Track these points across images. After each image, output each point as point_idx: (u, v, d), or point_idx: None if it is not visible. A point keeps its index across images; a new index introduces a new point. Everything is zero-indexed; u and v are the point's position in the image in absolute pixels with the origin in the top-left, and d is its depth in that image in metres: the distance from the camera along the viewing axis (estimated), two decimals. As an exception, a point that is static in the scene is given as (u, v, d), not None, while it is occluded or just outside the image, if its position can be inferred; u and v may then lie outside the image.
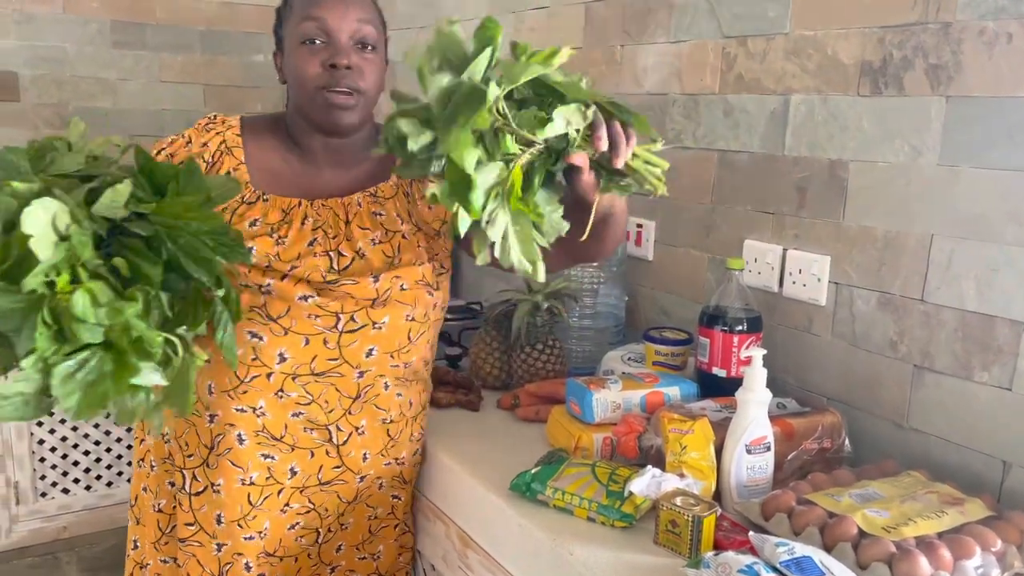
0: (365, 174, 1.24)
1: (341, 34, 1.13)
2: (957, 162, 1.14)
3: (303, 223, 1.17)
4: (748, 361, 1.11)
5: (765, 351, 1.10)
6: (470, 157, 0.84)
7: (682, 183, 1.59)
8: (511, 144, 0.87)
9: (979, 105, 1.11)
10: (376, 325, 1.15)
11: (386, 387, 1.21)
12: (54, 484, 2.49)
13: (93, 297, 0.82)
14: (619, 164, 0.93)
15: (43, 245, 0.80)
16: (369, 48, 1.15)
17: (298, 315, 1.12)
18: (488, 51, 0.85)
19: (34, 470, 2.44)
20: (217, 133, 1.20)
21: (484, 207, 0.87)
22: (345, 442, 1.20)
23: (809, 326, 1.37)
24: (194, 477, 1.18)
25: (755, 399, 1.09)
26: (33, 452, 2.42)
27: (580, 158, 0.92)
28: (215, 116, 1.24)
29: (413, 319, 1.18)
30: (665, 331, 1.49)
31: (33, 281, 0.80)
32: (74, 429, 2.47)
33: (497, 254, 0.91)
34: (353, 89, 1.13)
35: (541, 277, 0.93)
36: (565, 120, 0.89)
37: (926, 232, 1.19)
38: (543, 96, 0.91)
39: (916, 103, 1.18)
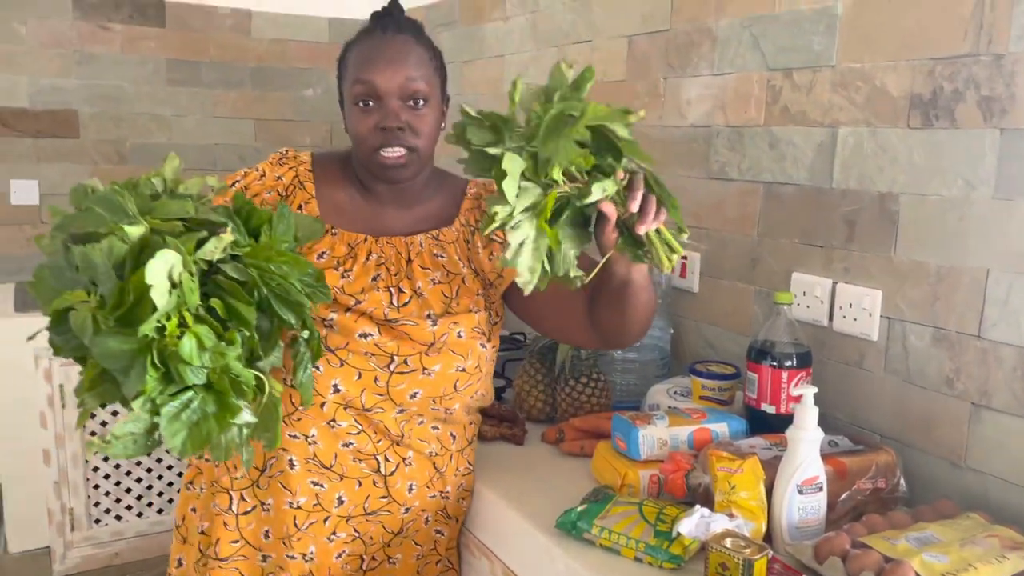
0: (427, 215, 1.27)
1: (391, 96, 1.16)
2: (1013, 195, 1.12)
3: (367, 258, 1.21)
4: (798, 397, 1.09)
5: (816, 388, 1.08)
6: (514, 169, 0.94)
7: (727, 215, 1.58)
8: (558, 173, 0.95)
9: (1035, 137, 1.09)
10: (426, 371, 1.18)
11: (420, 423, 1.22)
12: (107, 511, 2.54)
13: (200, 341, 0.86)
14: (641, 231, 0.99)
15: (161, 294, 0.84)
16: (421, 103, 1.18)
17: (356, 350, 1.16)
18: (584, 89, 0.97)
19: (88, 497, 2.50)
20: (290, 168, 1.25)
21: (513, 214, 0.95)
22: (392, 472, 1.22)
23: (861, 361, 1.34)
24: (242, 498, 1.21)
25: (806, 437, 1.07)
26: (87, 479, 2.48)
27: (610, 208, 0.98)
28: (287, 151, 1.29)
29: (463, 370, 1.21)
30: (712, 365, 1.47)
31: (148, 327, 0.83)
32: (116, 405, 2.52)
33: (507, 255, 0.97)
34: (406, 147, 1.17)
35: (528, 291, 0.99)
36: (602, 189, 0.96)
37: (982, 267, 1.16)
38: (600, 142, 0.97)
39: (969, 136, 1.16)
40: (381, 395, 1.17)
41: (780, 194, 1.47)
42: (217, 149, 3.04)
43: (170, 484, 2.61)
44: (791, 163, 1.44)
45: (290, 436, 1.17)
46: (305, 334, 1.00)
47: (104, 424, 2.50)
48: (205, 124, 3.02)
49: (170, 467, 2.61)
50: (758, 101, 1.50)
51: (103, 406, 0.95)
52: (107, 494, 2.53)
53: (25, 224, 2.79)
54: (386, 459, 1.21)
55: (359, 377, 1.16)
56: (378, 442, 1.20)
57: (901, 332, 1.27)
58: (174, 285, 0.85)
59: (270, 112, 3.13)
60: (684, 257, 1.69)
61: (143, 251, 0.87)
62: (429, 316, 1.19)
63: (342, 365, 1.16)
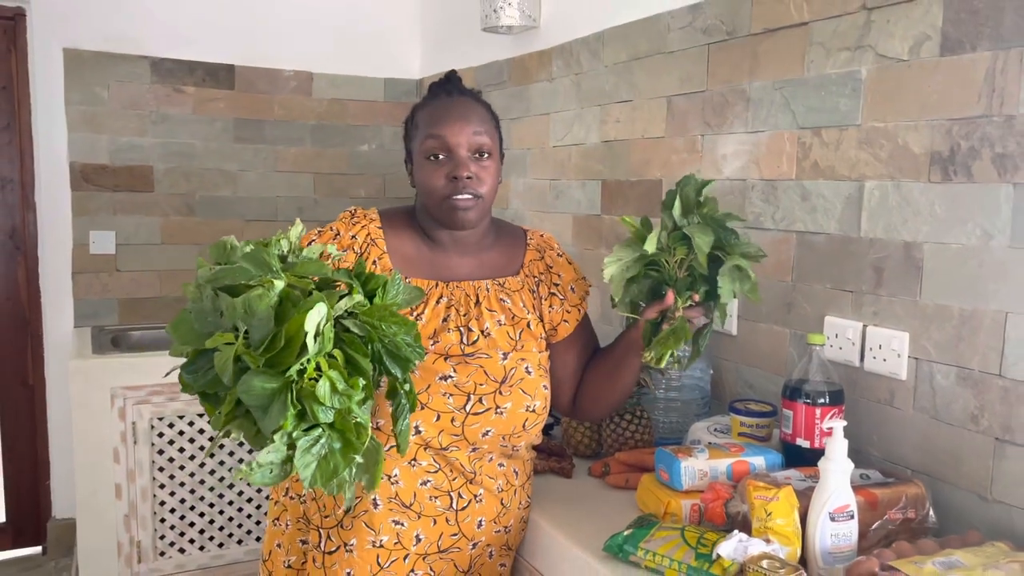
0: (491, 263, 1.39)
1: (460, 149, 1.30)
2: (1028, 244, 1.21)
3: (438, 302, 1.32)
4: (830, 431, 1.18)
5: (845, 423, 1.17)
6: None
7: (763, 262, 1.68)
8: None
9: (1046, 191, 1.18)
10: (499, 410, 1.28)
11: (490, 460, 1.32)
12: (172, 544, 2.67)
13: (333, 385, 0.98)
14: (681, 314, 1.29)
15: (312, 340, 0.96)
16: (485, 156, 1.32)
17: (435, 392, 1.26)
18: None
19: (155, 530, 2.62)
20: (362, 227, 1.37)
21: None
22: (464, 508, 1.31)
23: (891, 399, 1.42)
24: (328, 537, 1.30)
25: (837, 468, 1.16)
26: (155, 513, 2.61)
27: (672, 297, 1.28)
28: (355, 210, 1.41)
29: (532, 411, 1.31)
30: (750, 403, 1.56)
31: (295, 369, 0.95)
32: (191, 492, 2.66)
33: (614, 269, 1.30)
34: (473, 194, 1.30)
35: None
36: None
37: (1001, 310, 1.24)
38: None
39: (985, 190, 1.26)
40: (457, 435, 1.27)
41: (812, 243, 1.57)
42: (279, 201, 3.23)
43: (230, 519, 2.74)
44: (822, 214, 1.54)
45: None
46: (406, 387, 1.11)
47: (171, 460, 2.64)
48: (268, 178, 3.22)
49: (231, 503, 2.73)
50: (789, 157, 1.61)
51: (239, 443, 1.07)
52: (172, 528, 2.65)
53: (102, 272, 2.99)
54: (459, 496, 1.30)
55: (437, 419, 1.26)
56: (453, 479, 1.29)
57: (928, 372, 1.35)
58: (318, 334, 0.97)
59: (328, 166, 3.32)
60: (722, 302, 1.79)
61: (282, 303, 0.99)
62: (499, 351, 1.30)
63: (423, 408, 1.26)
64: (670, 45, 1.94)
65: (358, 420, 1.00)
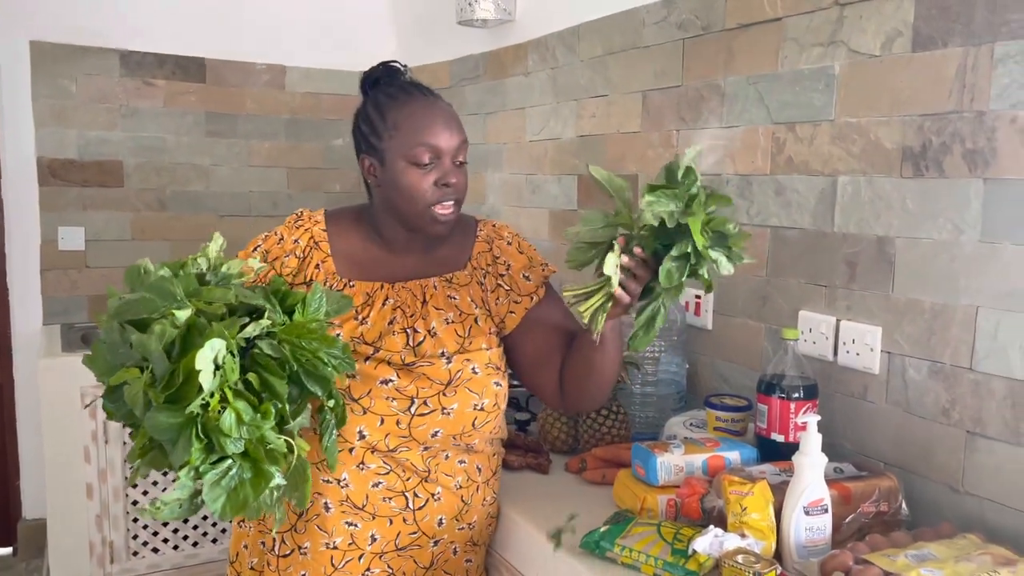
0: (439, 259, 1.37)
1: (447, 156, 1.28)
2: (998, 239, 1.22)
3: (384, 304, 1.31)
4: (804, 426, 1.19)
5: (820, 417, 1.18)
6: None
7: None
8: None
9: (1016, 186, 1.19)
10: (445, 411, 1.26)
11: (447, 457, 1.31)
12: (144, 543, 2.63)
13: (239, 416, 0.97)
14: (618, 292, 1.13)
15: (207, 378, 0.95)
16: (461, 159, 1.31)
17: (377, 396, 1.25)
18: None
19: (127, 530, 2.59)
20: (305, 230, 1.35)
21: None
22: (422, 507, 1.30)
23: (864, 393, 1.43)
24: (283, 540, 1.29)
25: (811, 462, 1.16)
26: (127, 512, 2.58)
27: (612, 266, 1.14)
28: (301, 212, 1.39)
29: (481, 409, 1.29)
30: (725, 398, 1.56)
31: (194, 406, 0.94)
32: (164, 490, 2.63)
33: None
34: (456, 201, 1.29)
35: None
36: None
37: (972, 304, 1.26)
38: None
39: (956, 185, 1.27)
40: (404, 436, 1.26)
41: (786, 237, 1.58)
42: (252, 196, 3.19)
43: (204, 518, 2.71)
44: (796, 209, 1.55)
45: (323, 481, 1.26)
46: (331, 403, 1.10)
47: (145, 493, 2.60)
48: (241, 173, 3.18)
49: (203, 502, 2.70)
50: (764, 152, 1.62)
51: (157, 471, 1.07)
52: (145, 527, 2.62)
53: (71, 269, 2.94)
54: (415, 495, 1.29)
55: (382, 423, 1.25)
56: (407, 479, 1.28)
57: (900, 366, 1.37)
58: (218, 367, 0.96)
59: (302, 161, 3.29)
60: (698, 296, 1.80)
61: (189, 332, 0.98)
62: (443, 354, 1.28)
63: (365, 413, 1.25)
64: (645, 40, 1.94)
65: (271, 447, 1.00)
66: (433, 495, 1.30)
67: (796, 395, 1.39)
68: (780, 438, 1.39)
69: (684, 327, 1.76)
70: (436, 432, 1.27)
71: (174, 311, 0.99)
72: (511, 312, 1.36)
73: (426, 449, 1.29)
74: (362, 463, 1.26)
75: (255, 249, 1.36)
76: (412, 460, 1.28)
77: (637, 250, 1.11)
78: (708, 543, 1.12)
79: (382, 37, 3.33)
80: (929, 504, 1.32)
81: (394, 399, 1.25)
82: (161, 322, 0.98)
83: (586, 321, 1.17)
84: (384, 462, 1.27)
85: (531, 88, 2.44)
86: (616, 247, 1.12)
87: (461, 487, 1.33)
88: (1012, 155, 1.19)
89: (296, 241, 1.35)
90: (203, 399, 0.95)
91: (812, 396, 1.39)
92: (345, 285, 1.31)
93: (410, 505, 1.29)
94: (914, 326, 1.34)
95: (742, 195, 1.68)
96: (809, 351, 1.50)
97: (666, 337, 1.72)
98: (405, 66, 1.40)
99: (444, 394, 1.27)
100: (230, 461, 0.98)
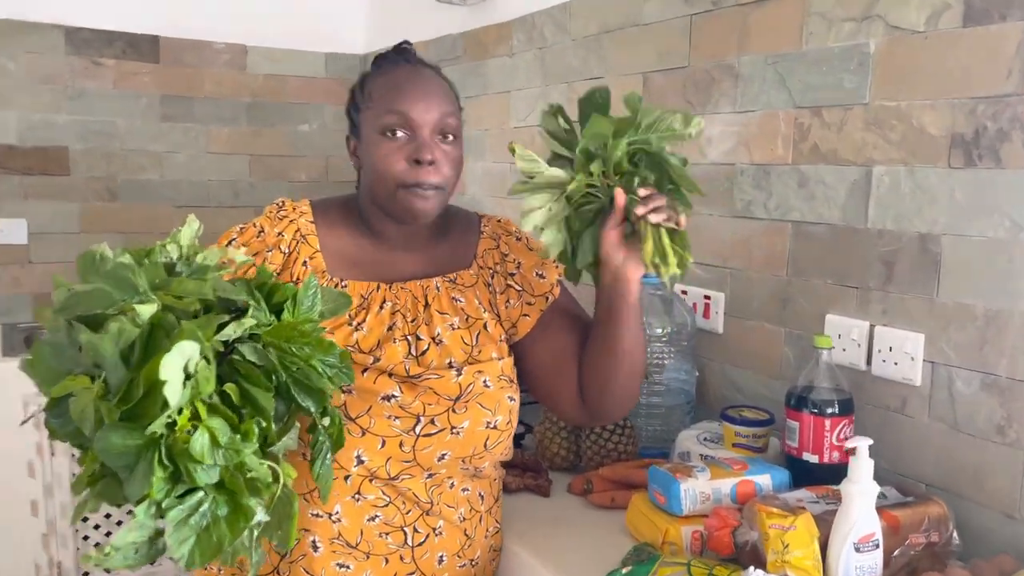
0: (440, 258, 1.21)
1: (424, 128, 1.11)
2: (1065, 237, 1.09)
3: (381, 307, 1.14)
4: (841, 446, 1.05)
5: (871, 440, 1.04)
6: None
7: (753, 254, 1.54)
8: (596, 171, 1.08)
9: (1087, 178, 1.06)
10: (454, 430, 1.10)
11: (451, 486, 1.15)
12: (96, 564, 2.43)
13: (213, 437, 0.77)
14: (639, 212, 1.04)
15: (174, 391, 0.75)
16: (450, 138, 1.14)
17: (378, 415, 1.08)
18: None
19: (77, 549, 2.39)
20: (291, 221, 1.18)
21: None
22: (421, 543, 1.14)
23: (902, 407, 1.29)
24: None
25: (861, 490, 1.03)
26: (76, 530, 2.38)
27: (621, 196, 1.06)
28: (283, 202, 1.22)
29: (494, 427, 1.14)
30: (744, 410, 1.42)
31: (158, 426, 0.75)
32: (117, 505, 2.42)
33: (539, 220, 1.08)
34: (433, 186, 1.12)
35: (548, 255, 1.11)
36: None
37: (1033, 310, 1.12)
38: (642, 157, 1.09)
39: (1016, 176, 1.13)
40: (408, 461, 1.10)
41: (810, 233, 1.43)
42: (211, 185, 2.98)
43: (161, 533, 2.51)
44: (822, 202, 1.41)
45: (312, 515, 1.09)
46: (326, 421, 0.91)
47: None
48: (199, 160, 2.96)
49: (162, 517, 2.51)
50: (785, 139, 1.47)
51: (110, 504, 0.85)
52: (96, 545, 2.42)
53: (12, 264, 2.72)
54: (415, 530, 1.13)
55: (383, 445, 1.08)
56: (407, 512, 1.12)
57: (947, 377, 1.23)
58: (188, 376, 0.77)
59: (265, 148, 3.08)
60: (707, 297, 1.65)
61: (154, 332, 0.78)
62: (451, 365, 1.13)
63: (364, 434, 1.08)
64: (646, 16, 1.78)
65: (253, 475, 0.80)
66: (434, 529, 1.14)
67: (830, 410, 1.25)
68: (814, 459, 1.25)
69: (694, 331, 1.61)
70: (443, 455, 1.11)
71: (135, 306, 0.79)
72: (524, 315, 1.20)
73: (430, 476, 1.12)
74: (358, 493, 1.09)
75: (229, 243, 1.17)
76: (414, 490, 1.11)
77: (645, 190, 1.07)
78: (750, 588, 0.98)
79: (352, 15, 3.13)
80: (980, 532, 1.19)
81: (397, 417, 1.08)
82: (119, 319, 0.78)
83: (653, 261, 1.04)
84: (383, 492, 1.10)
85: (516, 70, 2.27)
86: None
87: (464, 519, 1.17)
88: (1086, 143, 1.06)
89: (280, 234, 1.17)
90: (169, 416, 0.76)
91: (848, 411, 1.26)
92: (337, 285, 1.14)
93: (408, 541, 1.12)
94: (963, 333, 1.21)
95: (759, 186, 1.53)
96: (838, 359, 1.36)
97: (674, 341, 1.58)
98: (409, 43, 1.23)
99: (453, 411, 1.10)
100: (201, 494, 0.78)
